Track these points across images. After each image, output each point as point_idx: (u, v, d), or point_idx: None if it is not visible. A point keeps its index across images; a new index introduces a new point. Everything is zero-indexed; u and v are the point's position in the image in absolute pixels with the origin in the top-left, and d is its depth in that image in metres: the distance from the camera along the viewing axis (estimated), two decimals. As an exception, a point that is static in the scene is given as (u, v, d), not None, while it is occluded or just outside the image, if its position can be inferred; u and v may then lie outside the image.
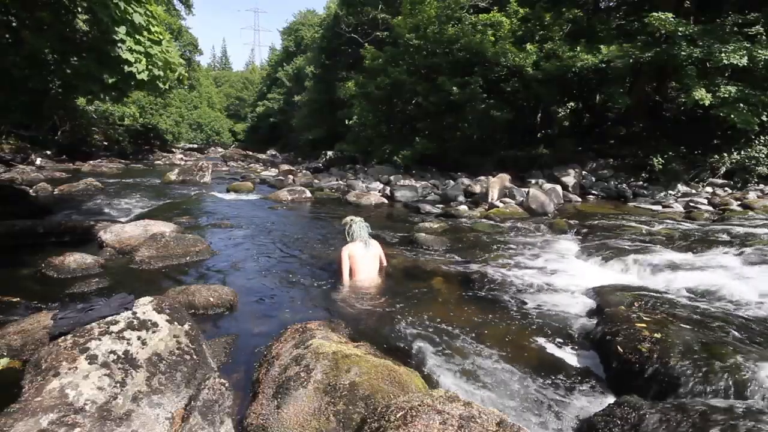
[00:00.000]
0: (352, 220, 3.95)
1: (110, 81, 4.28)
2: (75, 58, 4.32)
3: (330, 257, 4.69)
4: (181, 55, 4.76)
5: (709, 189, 10.06)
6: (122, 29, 3.96)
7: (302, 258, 4.84)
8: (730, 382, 2.03)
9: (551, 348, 2.78)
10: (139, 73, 4.17)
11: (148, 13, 4.15)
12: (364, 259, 3.80)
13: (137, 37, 4.10)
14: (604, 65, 10.34)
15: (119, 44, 4.00)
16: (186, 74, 5.05)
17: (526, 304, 3.48)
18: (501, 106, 11.76)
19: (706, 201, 8.99)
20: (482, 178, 10.98)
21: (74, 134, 19.56)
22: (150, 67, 4.24)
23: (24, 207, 6.19)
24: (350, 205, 9.01)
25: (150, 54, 4.22)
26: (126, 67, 4.13)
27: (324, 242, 5.44)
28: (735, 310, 3.14)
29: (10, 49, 4.27)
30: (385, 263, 4.12)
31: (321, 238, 5.67)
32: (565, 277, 4.19)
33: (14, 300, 3.15)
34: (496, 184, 9.35)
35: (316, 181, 13.37)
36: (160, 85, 4.53)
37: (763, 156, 9.81)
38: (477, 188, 9.90)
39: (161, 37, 4.39)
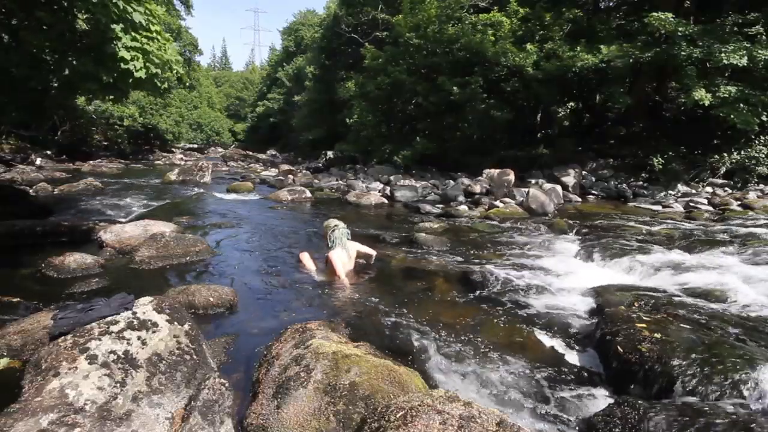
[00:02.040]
0: (336, 226, 4.13)
1: (108, 80, 4.28)
2: (73, 58, 4.31)
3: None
4: (180, 55, 4.75)
5: (709, 189, 10.07)
6: (118, 27, 3.95)
7: (302, 258, 4.82)
8: (730, 382, 2.03)
9: (551, 348, 2.79)
10: (137, 71, 4.16)
11: (147, 12, 4.15)
12: (347, 263, 4.10)
13: (133, 34, 4.09)
14: (604, 65, 10.35)
15: (115, 41, 4.00)
16: (185, 73, 5.05)
17: (526, 304, 3.48)
18: (501, 106, 11.75)
19: (706, 201, 8.99)
20: (482, 178, 10.96)
21: (74, 134, 19.55)
22: (147, 64, 4.23)
23: (24, 207, 6.18)
24: (350, 205, 9.01)
25: (147, 51, 4.21)
26: (122, 65, 4.12)
27: (324, 243, 5.43)
28: (735, 310, 3.14)
29: (11, 49, 4.27)
30: (373, 253, 4.36)
31: (321, 239, 5.66)
32: (565, 277, 4.19)
33: (14, 300, 3.15)
34: (506, 180, 9.50)
35: (316, 181, 13.37)
36: (158, 83, 4.52)
37: (763, 156, 9.81)
38: (477, 188, 9.90)
39: (159, 36, 4.38)
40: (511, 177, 9.75)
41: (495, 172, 10.01)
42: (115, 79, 4.31)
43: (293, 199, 9.36)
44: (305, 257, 4.28)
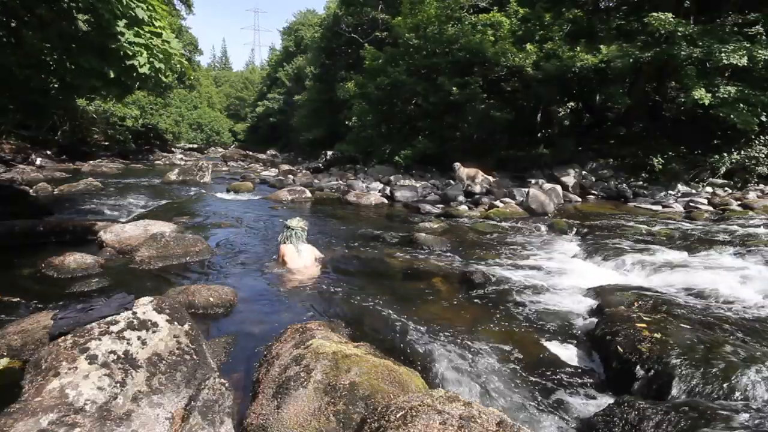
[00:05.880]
0: (288, 227, 4.48)
1: (112, 75, 4.25)
2: (75, 56, 4.29)
3: (329, 258, 4.70)
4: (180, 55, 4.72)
5: (709, 189, 10.06)
6: (121, 22, 3.94)
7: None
8: (730, 382, 2.03)
9: (551, 348, 2.78)
10: (141, 66, 4.14)
11: (150, 8, 4.14)
12: (294, 258, 4.35)
13: (137, 29, 4.07)
14: (604, 65, 10.34)
15: (119, 36, 3.98)
16: (189, 66, 5.01)
17: (526, 304, 3.48)
18: (501, 106, 11.75)
19: (706, 201, 8.99)
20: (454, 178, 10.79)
21: (74, 134, 19.54)
22: (151, 59, 4.20)
23: (24, 207, 6.17)
24: (350, 205, 9.02)
25: (150, 46, 4.19)
26: (127, 61, 4.10)
27: (323, 243, 5.44)
28: (735, 310, 3.14)
29: (11, 49, 4.26)
30: (321, 256, 4.61)
31: (320, 239, 5.66)
32: (565, 277, 4.19)
33: (14, 300, 3.15)
34: (472, 174, 9.81)
35: (316, 181, 13.37)
36: (162, 78, 4.50)
37: (763, 156, 9.80)
38: (477, 188, 9.91)
39: (162, 30, 4.36)
40: (480, 175, 9.93)
41: (465, 170, 10.18)
42: (119, 75, 4.29)
43: (293, 199, 9.36)
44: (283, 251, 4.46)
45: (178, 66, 4.76)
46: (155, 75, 4.35)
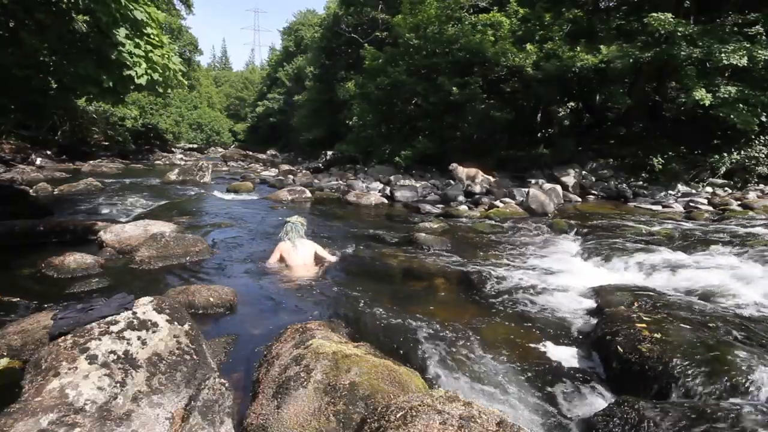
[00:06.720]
0: (288, 221, 4.53)
1: (108, 84, 4.27)
2: (73, 60, 4.31)
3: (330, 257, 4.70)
4: (180, 55, 4.75)
5: (709, 189, 10.06)
6: (122, 31, 3.95)
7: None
8: (730, 382, 2.03)
9: (551, 348, 2.78)
10: (139, 77, 4.16)
11: (146, 12, 4.15)
12: (291, 255, 4.34)
13: (137, 40, 4.09)
14: (604, 65, 10.34)
15: (119, 47, 4.00)
16: (184, 81, 5.04)
17: (526, 304, 3.48)
18: (501, 106, 11.75)
19: (706, 201, 8.99)
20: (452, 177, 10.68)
21: (74, 134, 19.55)
22: (149, 71, 4.23)
23: (24, 207, 6.18)
24: (350, 205, 9.02)
25: (150, 58, 4.21)
26: (125, 71, 4.13)
27: (324, 243, 5.43)
28: (735, 310, 3.14)
29: (10, 49, 4.27)
30: (329, 258, 4.56)
31: (320, 239, 5.66)
32: (565, 277, 4.19)
33: (14, 300, 3.15)
34: (472, 174, 9.88)
35: (316, 181, 13.37)
36: (159, 89, 4.53)
37: (763, 156, 9.80)
38: (477, 188, 9.91)
39: (162, 41, 4.39)
40: (480, 176, 9.97)
41: (465, 170, 10.19)
42: (115, 83, 4.31)
43: (293, 199, 9.36)
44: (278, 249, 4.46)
45: (175, 82, 4.78)
46: (151, 85, 4.37)
